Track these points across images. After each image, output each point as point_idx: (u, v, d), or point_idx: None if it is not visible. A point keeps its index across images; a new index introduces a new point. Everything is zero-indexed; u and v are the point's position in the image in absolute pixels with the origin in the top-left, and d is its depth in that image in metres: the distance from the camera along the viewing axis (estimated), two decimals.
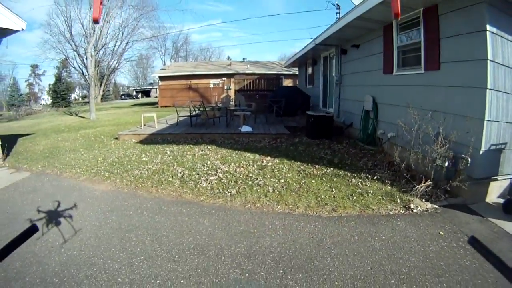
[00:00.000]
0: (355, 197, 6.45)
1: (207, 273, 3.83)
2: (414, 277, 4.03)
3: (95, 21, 2.77)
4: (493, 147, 6.46)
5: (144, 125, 13.68)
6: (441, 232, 5.34)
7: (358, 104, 11.74)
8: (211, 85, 34.39)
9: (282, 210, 5.95)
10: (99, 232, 4.85)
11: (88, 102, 27.73)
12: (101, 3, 2.82)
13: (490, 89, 6.12)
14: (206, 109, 14.03)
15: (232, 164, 8.39)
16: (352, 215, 5.82)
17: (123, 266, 3.85)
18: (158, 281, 3.61)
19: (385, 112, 9.63)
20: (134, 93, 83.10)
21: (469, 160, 6.32)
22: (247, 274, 3.86)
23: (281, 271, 3.97)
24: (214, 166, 8.13)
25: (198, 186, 6.88)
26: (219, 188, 6.78)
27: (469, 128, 6.34)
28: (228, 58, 46.79)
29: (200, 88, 32.61)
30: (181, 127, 13.24)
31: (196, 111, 13.81)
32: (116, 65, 56.62)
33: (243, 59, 43.93)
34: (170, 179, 7.23)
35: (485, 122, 6.18)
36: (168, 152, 9.44)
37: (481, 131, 6.23)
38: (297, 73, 28.54)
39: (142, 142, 11.41)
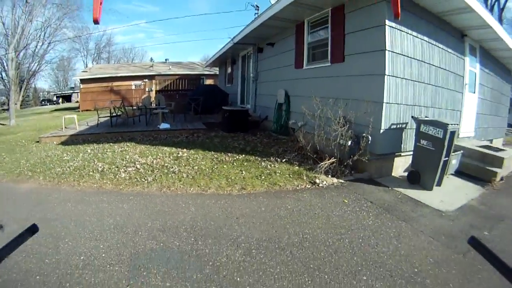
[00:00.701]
0: (263, 177, 6.66)
1: (126, 246, 3.85)
2: (317, 236, 4.28)
3: (95, 22, 2.82)
4: (393, 126, 7.04)
5: (65, 127, 12.74)
6: (345, 200, 5.68)
7: (273, 98, 12.03)
8: (133, 87, 32.83)
9: (195, 191, 6.01)
10: (26, 223, 4.65)
11: (7, 109, 25.51)
12: (101, 3, 2.87)
13: (388, 75, 6.66)
14: (126, 108, 13.65)
15: (150, 157, 8.25)
16: (261, 192, 6.00)
17: (49, 249, 3.69)
18: (82, 257, 3.53)
19: (297, 103, 9.96)
20: (55, 98, 77.13)
21: (370, 138, 6.79)
22: (162, 244, 3.94)
23: (193, 239, 4.09)
24: (132, 160, 7.94)
25: (117, 177, 6.73)
26: (137, 177, 6.69)
27: (370, 111, 6.78)
28: (151, 59, 45.55)
29: (122, 90, 30.92)
30: (101, 128, 12.64)
31: (117, 112, 13.31)
32: (37, 68, 51.81)
33: (165, 60, 42.96)
34: (91, 173, 6.98)
35: (384, 104, 6.69)
36: (89, 151, 9.04)
37: (380, 112, 6.71)
38: (218, 73, 28.61)
39: (64, 143, 10.81)
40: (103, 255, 3.65)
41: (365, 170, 7.16)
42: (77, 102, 55.44)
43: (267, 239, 4.12)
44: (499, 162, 8.00)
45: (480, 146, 9.21)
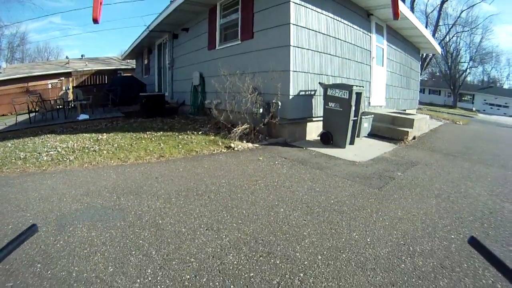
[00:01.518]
0: (181, 146, 7.13)
1: (51, 211, 4.06)
2: (233, 184, 4.86)
3: (95, 21, 2.73)
4: (302, 93, 7.81)
5: None
6: (260, 158, 6.35)
7: (189, 82, 12.45)
8: (49, 86, 31.27)
9: (115, 163, 6.29)
10: None
11: None
12: (101, 3, 2.81)
13: (294, 46, 7.38)
14: (44, 102, 13.31)
15: (70, 142, 8.22)
16: (178, 158, 6.47)
17: None
18: (10, 226, 3.72)
19: (211, 83, 10.36)
20: None
21: (279, 103, 7.54)
22: (86, 204, 4.22)
23: (115, 197, 4.43)
24: (53, 146, 7.87)
25: (40, 160, 6.70)
26: (59, 158, 6.73)
27: (279, 79, 7.46)
28: (67, 58, 43.75)
29: (38, 90, 29.37)
30: (20, 125, 12.09)
31: (35, 108, 12.92)
32: None
33: (82, 56, 41.43)
34: (13, 161, 6.81)
35: (291, 72, 7.42)
36: (9, 145, 8.59)
37: (288, 80, 7.44)
38: (135, 66, 28.28)
39: None
40: (30, 221, 3.84)
41: (279, 135, 7.88)
42: None
43: (185, 190, 4.61)
44: (409, 123, 9.14)
45: (392, 112, 10.42)
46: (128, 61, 31.02)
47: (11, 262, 2.88)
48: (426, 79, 57.18)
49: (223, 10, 10.07)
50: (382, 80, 11.73)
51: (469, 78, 57.67)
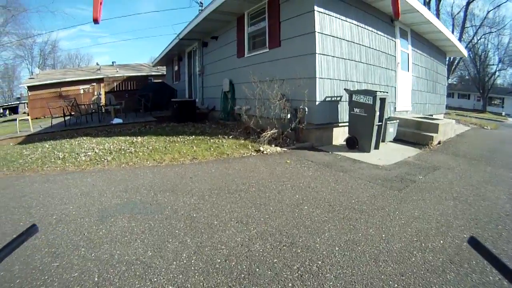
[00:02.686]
0: (212, 149, 7.50)
1: (93, 205, 4.46)
2: (262, 184, 5.19)
3: (95, 21, 2.87)
4: (328, 99, 8.05)
5: (20, 131, 12.82)
6: (287, 161, 6.63)
7: (219, 88, 12.82)
8: (81, 91, 31.86)
9: (151, 164, 6.71)
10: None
11: None
12: (101, 3, 2.99)
13: (319, 53, 7.64)
14: (79, 106, 13.78)
15: (107, 144, 8.71)
16: (211, 160, 6.85)
17: (22, 216, 4.18)
18: (54, 217, 4.09)
19: (241, 90, 10.72)
20: (1, 110, 73.79)
21: (306, 109, 7.81)
22: (125, 199, 4.63)
23: (152, 194, 4.83)
24: (90, 147, 8.39)
25: (78, 160, 7.18)
26: (97, 158, 7.20)
27: (306, 86, 7.75)
28: (97, 64, 44.59)
29: (71, 95, 29.67)
30: (56, 128, 12.65)
31: (70, 111, 13.43)
32: None
33: (113, 63, 42.29)
34: (53, 160, 7.33)
35: (317, 79, 7.69)
36: (47, 146, 9.20)
37: (314, 86, 7.71)
38: (165, 73, 28.75)
39: (21, 143, 10.74)
40: (73, 213, 4.25)
41: (306, 140, 8.11)
42: (24, 113, 53.29)
43: (217, 189, 4.97)
44: (434, 127, 9.18)
45: (417, 117, 10.45)
46: (158, 67, 31.60)
47: (56, 246, 3.29)
48: (455, 82, 56.31)
49: (251, 19, 10.42)
50: (408, 85, 11.77)
51: (499, 81, 56.26)
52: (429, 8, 29.24)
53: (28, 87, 31.64)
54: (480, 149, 8.91)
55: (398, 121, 8.76)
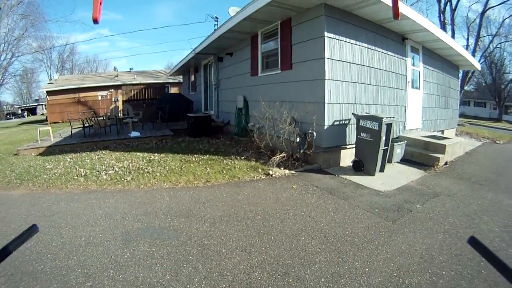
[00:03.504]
0: (225, 172, 7.81)
1: (117, 228, 4.87)
2: (267, 212, 5.49)
3: (95, 21, 2.74)
4: (336, 123, 8.25)
5: (40, 139, 12.98)
6: (293, 186, 6.89)
7: (233, 103, 13.15)
8: (99, 98, 32.53)
9: (168, 186, 7.06)
10: (27, 220, 5.36)
11: None
12: (100, 3, 3.01)
13: (329, 79, 7.87)
14: (98, 119, 14.22)
15: (125, 161, 9.11)
16: (223, 183, 7.16)
17: (54, 236, 4.59)
18: (83, 239, 4.50)
19: (254, 107, 10.98)
20: (20, 112, 74.62)
21: (315, 134, 8.08)
22: (146, 224, 5.02)
23: (169, 219, 5.20)
24: (110, 164, 8.80)
25: (100, 178, 7.60)
26: (117, 177, 7.59)
27: (314, 110, 8.02)
28: (115, 68, 45.10)
29: (89, 101, 30.43)
30: (75, 138, 13.11)
31: (89, 122, 13.80)
32: (1, 80, 46.63)
33: (130, 69, 42.88)
34: (76, 177, 7.75)
35: (326, 104, 7.91)
36: (69, 159, 9.73)
37: (323, 112, 7.93)
38: (182, 80, 29.33)
39: (42, 154, 11.16)
40: (100, 235, 4.65)
41: (314, 162, 8.36)
42: (42, 114, 53.91)
43: (227, 216, 5.30)
44: (441, 148, 9.29)
45: (426, 136, 10.58)
46: (175, 76, 32.11)
47: (88, 267, 3.73)
48: (472, 89, 55.86)
49: (264, 38, 10.66)
50: (418, 103, 11.85)
51: None
52: (444, 17, 29.22)
53: (47, 92, 32.28)
54: (487, 169, 8.99)
55: (405, 141, 8.91)
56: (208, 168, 8.07)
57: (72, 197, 6.45)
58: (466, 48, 32.30)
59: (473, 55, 31.20)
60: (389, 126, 7.58)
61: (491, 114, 52.04)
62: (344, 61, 8.22)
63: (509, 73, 47.95)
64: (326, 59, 7.74)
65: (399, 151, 8.55)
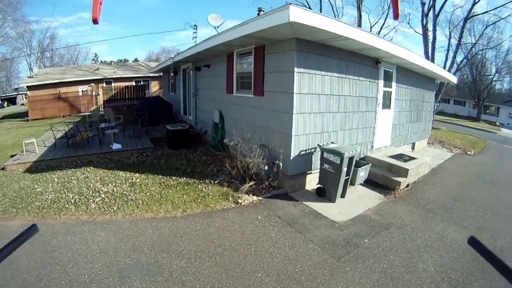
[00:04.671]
0: (199, 200, 8.28)
1: (112, 264, 5.40)
2: (234, 247, 6.01)
3: (95, 21, 2.89)
4: (303, 152, 8.68)
5: (26, 150, 13.15)
6: (258, 217, 7.38)
7: (210, 115, 13.47)
8: (80, 93, 33.14)
9: (149, 216, 7.52)
10: (33, 256, 5.71)
11: None
12: (100, 3, 3.00)
13: (296, 113, 8.23)
14: (80, 130, 14.28)
15: (110, 184, 9.47)
16: (197, 213, 7.64)
17: (61, 274, 5.07)
18: (86, 276, 5.04)
19: (230, 124, 11.37)
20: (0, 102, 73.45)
21: (281, 164, 8.54)
22: (135, 260, 5.56)
23: (154, 254, 5.74)
24: (96, 189, 9.13)
25: (89, 207, 7.98)
26: (104, 207, 7.99)
27: (282, 141, 8.47)
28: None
29: (70, 97, 30.83)
30: (59, 150, 13.36)
31: (71, 131, 14.03)
32: None
33: (110, 62, 43.07)
34: (67, 205, 8.11)
35: (293, 136, 8.30)
36: (56, 179, 10.03)
37: (290, 143, 8.33)
38: (163, 66, 29.07)
39: (29, 170, 11.34)
40: (99, 272, 5.19)
41: (281, 187, 8.81)
42: (22, 104, 53.50)
43: (201, 251, 5.86)
44: (404, 172, 9.82)
45: (391, 156, 11.09)
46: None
47: None
48: (456, 85, 56.79)
49: (239, 58, 10.90)
50: (389, 121, 12.27)
51: (497, 86, 56.93)
52: (426, 21, 29.57)
53: (27, 86, 32.26)
54: (446, 193, 9.45)
55: (370, 164, 9.33)
56: (184, 196, 8.50)
57: (68, 230, 6.83)
58: (447, 52, 32.86)
59: (454, 58, 31.82)
60: (351, 158, 8.03)
61: (470, 113, 53.23)
62: (313, 94, 8.51)
63: (490, 75, 49.01)
64: (294, 94, 8.01)
65: (362, 174, 8.97)
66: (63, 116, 30.43)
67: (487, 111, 53.17)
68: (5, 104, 69.82)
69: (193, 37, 17.86)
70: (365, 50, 9.43)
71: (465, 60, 38.83)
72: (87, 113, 30.14)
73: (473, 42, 39.42)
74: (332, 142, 9.05)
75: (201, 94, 15.42)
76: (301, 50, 8.04)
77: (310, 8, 37.22)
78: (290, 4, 6.27)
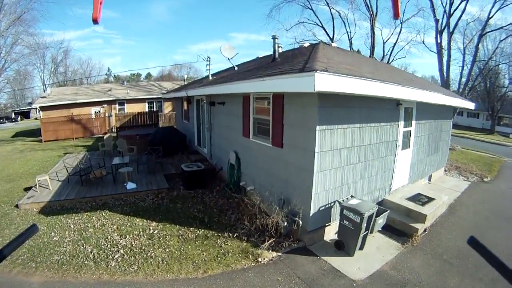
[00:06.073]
0: (219, 258, 8.14)
1: None
2: None
3: (95, 21, 2.89)
4: (322, 208, 8.53)
5: (39, 185, 13.22)
6: (279, 278, 7.32)
7: (226, 153, 13.36)
8: (93, 115, 33.67)
9: (171, 277, 7.45)
10: None
11: None
12: (101, 3, 2.97)
13: (316, 171, 8.05)
14: (93, 168, 14.43)
15: (127, 236, 9.37)
16: (218, 274, 7.55)
17: None
18: None
19: (246, 167, 11.31)
20: (13, 116, 74.15)
21: (301, 222, 8.41)
22: None
23: None
24: (114, 241, 9.06)
25: (109, 265, 7.90)
26: (125, 265, 7.91)
27: (302, 197, 8.36)
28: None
29: (83, 120, 31.51)
30: (73, 187, 13.37)
31: (84, 170, 14.14)
32: None
33: (123, 82, 43.51)
34: (86, 262, 8.05)
35: (313, 195, 8.15)
36: (72, 226, 9.98)
37: (309, 201, 8.19)
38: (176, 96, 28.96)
39: (44, 211, 11.31)
40: None
41: (300, 240, 8.68)
42: (36, 119, 54.01)
43: None
44: (422, 218, 9.70)
45: (409, 198, 10.90)
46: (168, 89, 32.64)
47: None
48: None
49: (257, 102, 10.70)
50: (407, 161, 12.06)
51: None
52: (441, 38, 29.31)
53: (40, 107, 32.61)
54: (463, 237, 8.96)
55: (388, 211, 9.04)
56: (204, 253, 8.37)
57: None
58: (462, 69, 32.58)
59: (469, 75, 31.54)
60: (370, 216, 7.95)
61: (484, 125, 52.76)
62: (334, 150, 8.30)
63: (503, 87, 48.54)
64: (316, 153, 7.82)
65: (381, 221, 8.78)
66: (76, 138, 30.85)
67: (501, 123, 52.47)
68: (19, 118, 70.80)
69: (206, 69, 17.49)
70: (385, 99, 9.24)
71: (477, 70, 38.40)
72: (100, 135, 30.44)
73: (486, 53, 39.24)
74: (352, 196, 8.91)
75: (216, 130, 15.25)
76: (323, 106, 7.73)
77: (323, 27, 37.16)
78: (315, 71, 6.07)
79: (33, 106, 42.15)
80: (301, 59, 9.15)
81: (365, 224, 7.80)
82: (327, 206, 8.62)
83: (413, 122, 11.97)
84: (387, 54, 36.88)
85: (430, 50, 34.04)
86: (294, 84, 6.81)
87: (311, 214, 8.24)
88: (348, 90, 6.71)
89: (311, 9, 37.15)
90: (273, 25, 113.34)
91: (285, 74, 7.32)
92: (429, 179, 14.93)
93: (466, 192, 14.08)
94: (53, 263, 8.01)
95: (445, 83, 28.69)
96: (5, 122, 67.46)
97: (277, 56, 12.01)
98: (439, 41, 29.37)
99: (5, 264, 8.03)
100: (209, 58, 17.44)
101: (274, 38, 11.84)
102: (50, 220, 10.48)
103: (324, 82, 6.18)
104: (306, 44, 16.44)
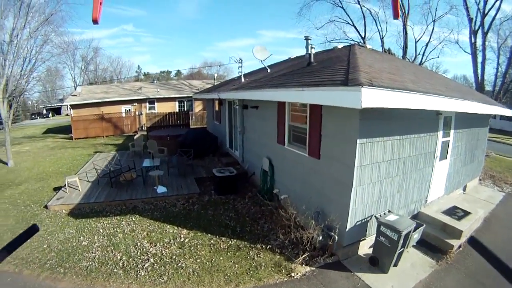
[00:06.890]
0: (251, 272, 8.01)
1: None
2: None
3: (95, 21, 2.88)
4: (358, 223, 8.34)
5: (69, 185, 13.48)
6: None
7: (258, 158, 13.25)
8: (123, 113, 34.48)
9: None
10: None
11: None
12: (101, 3, 2.98)
13: (355, 186, 7.85)
14: (123, 171, 14.60)
15: (158, 244, 9.32)
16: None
17: None
18: None
19: (280, 175, 11.14)
20: (44, 112, 75.73)
21: (336, 237, 8.25)
22: None
23: None
24: (144, 249, 9.03)
25: (139, 275, 7.87)
26: (155, 276, 7.84)
27: (338, 211, 8.20)
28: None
29: (113, 118, 32.31)
30: (103, 189, 13.52)
31: (113, 170, 14.39)
32: (26, 85, 44.24)
33: (153, 81, 43.93)
34: (115, 270, 8.05)
35: (350, 209, 7.95)
36: (101, 231, 10.02)
37: (347, 215, 8.00)
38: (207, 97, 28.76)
39: (73, 214, 11.46)
40: None
41: (335, 253, 8.55)
42: (67, 115, 55.02)
43: None
44: (458, 233, 9.36)
45: (445, 212, 10.55)
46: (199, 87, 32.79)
47: None
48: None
49: (292, 108, 10.50)
50: (444, 172, 11.72)
51: None
52: (475, 38, 28.64)
53: (71, 105, 33.30)
54: (500, 252, 8.62)
55: (424, 226, 8.75)
56: (236, 265, 8.25)
57: None
58: (496, 71, 31.75)
59: (504, 77, 30.73)
60: (407, 234, 7.72)
61: None
62: (373, 163, 8.08)
63: None
64: (355, 167, 7.60)
65: (416, 236, 8.53)
66: (106, 136, 31.51)
67: None
68: (50, 114, 72.25)
69: (239, 71, 17.31)
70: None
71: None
72: (131, 133, 30.84)
73: None
74: (389, 211, 8.74)
75: (248, 133, 15.13)
76: (364, 118, 7.39)
77: (354, 26, 36.73)
78: (362, 85, 5.69)
79: (64, 103, 43.03)
80: (339, 66, 8.91)
81: (402, 241, 7.58)
82: (363, 220, 8.42)
83: (452, 131, 11.56)
84: (419, 54, 36.07)
85: (465, 51, 33.20)
86: (337, 98, 6.51)
87: (347, 229, 8.06)
88: (394, 105, 6.38)
89: (342, 7, 36.84)
90: (303, 23, 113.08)
91: (325, 85, 7.08)
92: (464, 189, 14.45)
93: (501, 204, 13.51)
94: (81, 269, 8.05)
95: (479, 86, 28.02)
96: (36, 118, 69.50)
97: (312, 60, 11.63)
98: (473, 41, 28.69)
99: (33, 268, 8.18)
100: (241, 60, 17.24)
101: (307, 39, 11.64)
102: (79, 223, 10.61)
103: (371, 97, 5.80)
104: (340, 46, 16.22)
